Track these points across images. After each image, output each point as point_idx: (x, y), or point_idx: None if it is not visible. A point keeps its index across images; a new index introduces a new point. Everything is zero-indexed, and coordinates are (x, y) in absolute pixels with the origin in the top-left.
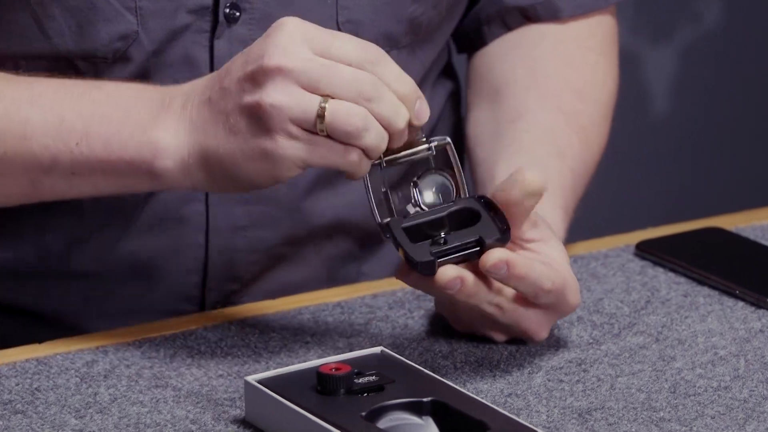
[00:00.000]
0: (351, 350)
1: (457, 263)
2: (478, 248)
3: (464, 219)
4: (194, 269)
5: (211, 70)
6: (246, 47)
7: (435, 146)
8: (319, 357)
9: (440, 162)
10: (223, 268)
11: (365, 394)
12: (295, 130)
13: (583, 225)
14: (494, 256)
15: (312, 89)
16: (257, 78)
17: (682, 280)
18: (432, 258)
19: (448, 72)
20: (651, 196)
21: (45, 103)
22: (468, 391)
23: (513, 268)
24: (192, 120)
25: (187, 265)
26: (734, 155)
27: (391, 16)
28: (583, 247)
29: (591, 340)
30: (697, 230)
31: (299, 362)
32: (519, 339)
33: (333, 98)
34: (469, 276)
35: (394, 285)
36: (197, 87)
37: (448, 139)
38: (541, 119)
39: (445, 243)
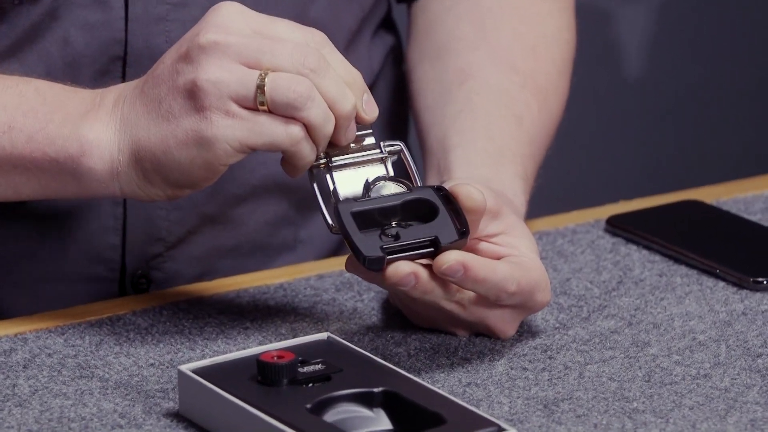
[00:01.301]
0: (294, 336)
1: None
2: (432, 249)
3: (420, 211)
4: (111, 228)
5: (126, 10)
6: None
7: (388, 151)
8: (260, 344)
9: (395, 167)
10: (142, 227)
11: (310, 385)
12: (233, 107)
13: (548, 198)
14: (449, 258)
15: (252, 65)
16: (192, 56)
17: (658, 258)
18: (381, 254)
19: (388, 25)
20: (623, 166)
21: None
22: (423, 380)
23: (471, 271)
24: (123, 116)
25: (103, 224)
26: (715, 121)
27: None
28: (549, 223)
29: (558, 325)
30: (674, 203)
31: (238, 350)
32: None
33: (274, 72)
34: (423, 272)
35: (341, 265)
36: (131, 83)
37: (402, 145)
38: (494, 80)
39: (397, 238)
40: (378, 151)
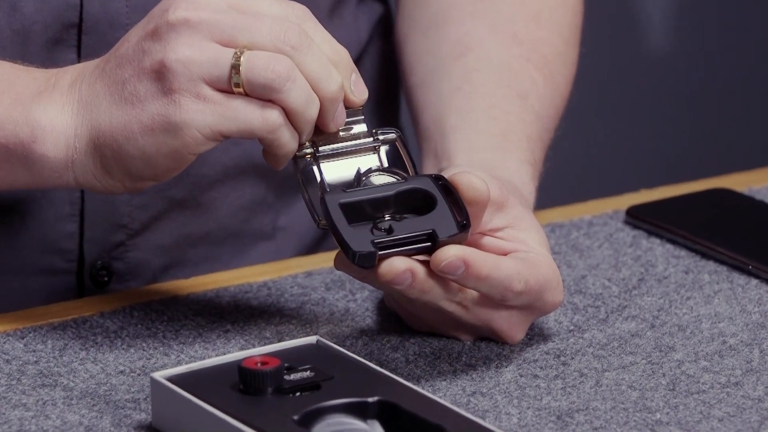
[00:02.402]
0: (280, 340)
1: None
2: (429, 244)
3: (416, 202)
4: (68, 215)
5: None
6: None
7: (382, 139)
8: (242, 349)
9: (390, 158)
10: (102, 213)
11: (298, 394)
12: (205, 90)
13: (561, 187)
14: (449, 253)
15: (227, 43)
16: (161, 33)
17: (683, 253)
18: (372, 249)
19: None
20: (645, 151)
21: None
22: (423, 389)
23: (472, 267)
24: (81, 98)
25: (58, 210)
26: (747, 101)
27: None
28: (562, 214)
29: (572, 327)
30: (702, 192)
31: (217, 355)
32: None
33: (251, 50)
34: (420, 269)
35: (332, 261)
36: (91, 63)
37: (398, 133)
38: (494, 53)
39: (390, 232)
40: (371, 139)
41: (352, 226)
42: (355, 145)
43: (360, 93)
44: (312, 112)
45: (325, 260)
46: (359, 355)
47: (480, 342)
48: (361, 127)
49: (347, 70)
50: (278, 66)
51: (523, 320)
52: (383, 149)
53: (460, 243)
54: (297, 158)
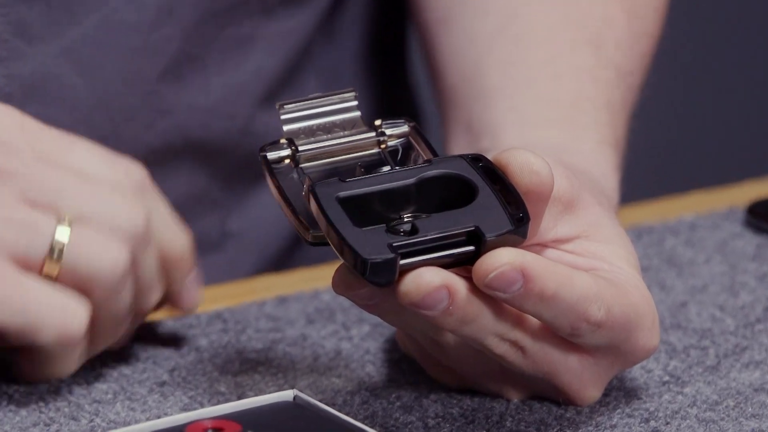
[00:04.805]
0: (241, 397)
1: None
2: (472, 247)
3: (448, 195)
4: None
5: None
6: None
7: (389, 135)
8: (185, 409)
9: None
10: None
11: None
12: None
13: (652, 173)
14: (500, 260)
15: (45, 207)
16: None
17: None
18: (391, 255)
19: None
20: None
21: None
22: None
23: (534, 281)
24: None
25: None
26: None
27: None
28: (652, 212)
29: (667, 378)
30: None
31: (149, 418)
32: None
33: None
34: (461, 286)
35: (316, 280)
36: None
37: (411, 123)
38: None
39: (414, 232)
40: (373, 134)
41: (358, 228)
42: (353, 143)
43: (190, 302)
44: (119, 332)
45: (305, 279)
46: (356, 419)
47: (531, 400)
48: (353, 114)
49: (182, 272)
50: (113, 262)
51: (601, 372)
52: (390, 147)
53: (514, 246)
54: (270, 162)
